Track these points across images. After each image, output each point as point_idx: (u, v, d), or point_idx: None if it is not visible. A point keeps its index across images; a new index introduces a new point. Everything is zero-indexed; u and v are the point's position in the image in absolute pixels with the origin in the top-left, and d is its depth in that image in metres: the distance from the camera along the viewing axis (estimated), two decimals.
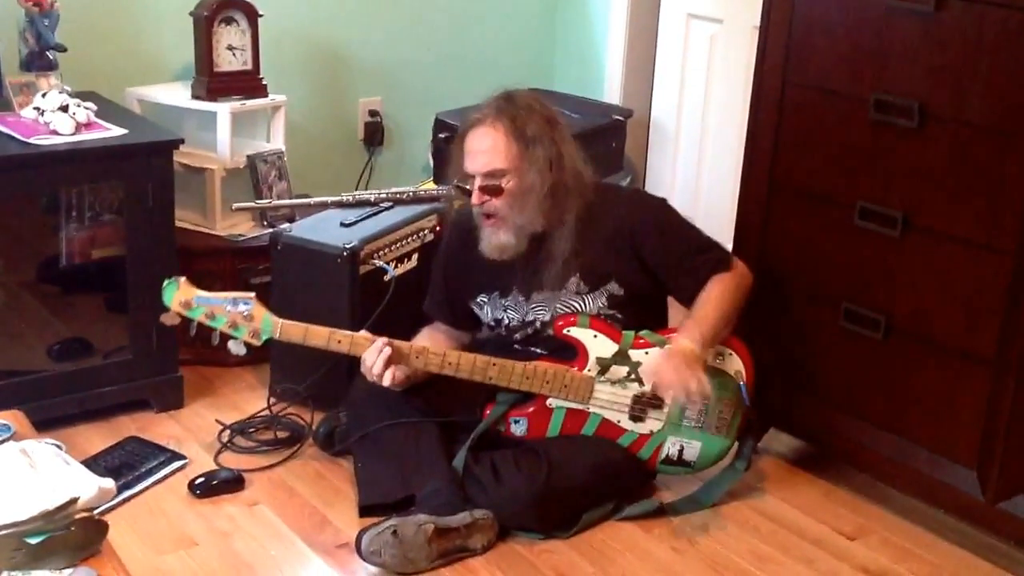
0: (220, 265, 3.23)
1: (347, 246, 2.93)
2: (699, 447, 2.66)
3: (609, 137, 3.87)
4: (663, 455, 2.67)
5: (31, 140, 2.74)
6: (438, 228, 3.16)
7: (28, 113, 2.87)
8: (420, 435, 2.63)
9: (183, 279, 2.56)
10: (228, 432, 2.91)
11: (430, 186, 3.53)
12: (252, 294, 2.57)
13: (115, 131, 2.86)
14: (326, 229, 3.04)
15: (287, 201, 3.40)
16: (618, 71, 4.17)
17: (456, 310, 2.83)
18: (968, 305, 2.44)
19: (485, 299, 2.74)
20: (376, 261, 2.99)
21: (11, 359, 2.95)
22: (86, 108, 2.86)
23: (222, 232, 3.31)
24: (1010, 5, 2.27)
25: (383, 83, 3.97)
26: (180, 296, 2.55)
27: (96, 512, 1.78)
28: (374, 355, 2.54)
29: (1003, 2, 2.28)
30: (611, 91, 4.20)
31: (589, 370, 2.60)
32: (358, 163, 3.99)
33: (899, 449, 2.61)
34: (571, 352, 2.61)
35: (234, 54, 3.34)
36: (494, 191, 2.56)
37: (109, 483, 1.84)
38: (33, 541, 1.68)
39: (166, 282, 2.56)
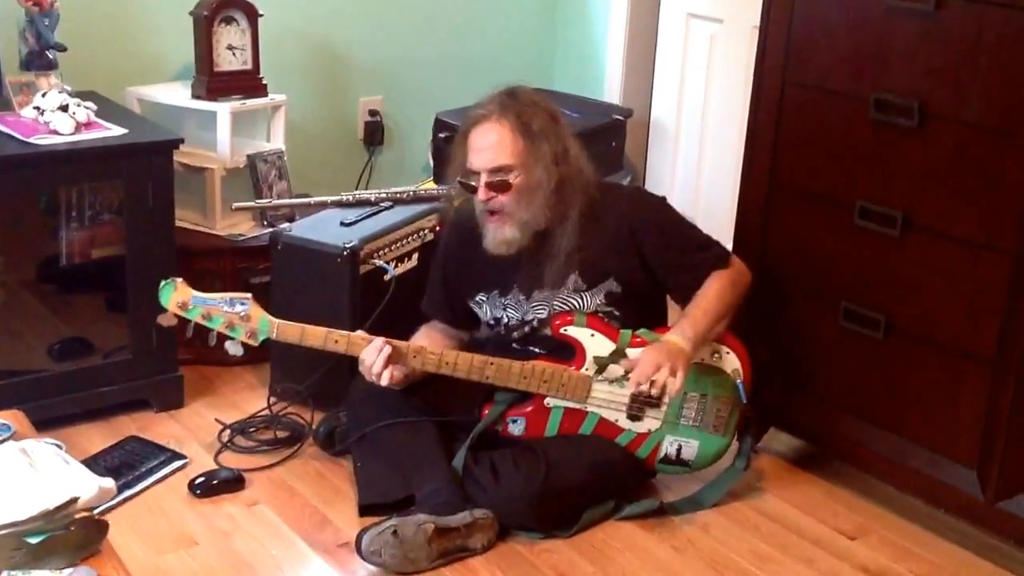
0: (220, 265, 3.23)
1: (347, 246, 2.92)
2: (697, 446, 2.66)
3: (609, 136, 3.87)
4: (661, 454, 2.67)
5: (31, 140, 2.74)
6: (438, 228, 3.16)
7: (28, 113, 2.86)
8: (419, 435, 2.63)
9: (180, 280, 2.56)
10: (228, 432, 2.91)
11: (430, 186, 3.52)
12: (249, 295, 2.57)
13: (115, 131, 2.85)
14: (326, 229, 3.04)
15: (287, 201, 3.40)
16: (618, 70, 4.17)
17: (455, 309, 2.82)
18: (968, 305, 2.44)
19: (484, 298, 2.74)
20: (376, 261, 2.99)
21: (11, 359, 2.95)
22: (86, 108, 2.85)
23: (222, 232, 3.31)
24: (1010, 5, 2.27)
25: (383, 82, 3.97)
26: (177, 297, 2.54)
27: (96, 512, 1.78)
28: (372, 355, 2.53)
29: (1003, 2, 2.28)
30: (611, 91, 4.19)
31: (586, 369, 2.60)
32: (358, 163, 3.99)
33: (899, 449, 2.61)
34: (569, 351, 2.61)
35: (234, 54, 3.34)
36: (501, 187, 2.54)
37: (109, 483, 1.83)
38: (33, 541, 1.67)
39: (163, 283, 2.56)
